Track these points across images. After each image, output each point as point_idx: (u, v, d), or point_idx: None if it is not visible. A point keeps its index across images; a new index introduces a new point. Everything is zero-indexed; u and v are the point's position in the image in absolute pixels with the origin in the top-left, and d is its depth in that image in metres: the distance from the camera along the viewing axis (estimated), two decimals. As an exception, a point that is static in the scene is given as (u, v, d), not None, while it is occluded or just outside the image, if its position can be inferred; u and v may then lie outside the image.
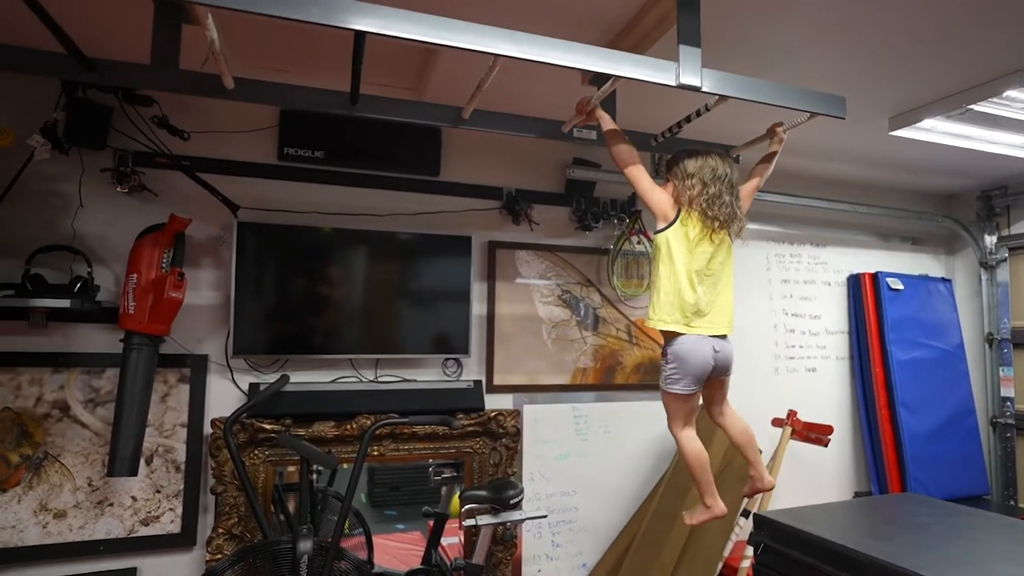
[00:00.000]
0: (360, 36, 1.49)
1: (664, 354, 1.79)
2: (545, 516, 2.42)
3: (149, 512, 2.18)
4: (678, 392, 1.76)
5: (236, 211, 2.26)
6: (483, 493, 2.20)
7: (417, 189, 2.55)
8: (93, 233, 2.16)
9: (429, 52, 2.05)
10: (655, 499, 2.75)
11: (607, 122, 1.78)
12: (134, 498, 2.18)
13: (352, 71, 1.62)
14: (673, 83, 1.56)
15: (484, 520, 2.22)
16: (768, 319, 3.21)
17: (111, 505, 2.15)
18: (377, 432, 2.31)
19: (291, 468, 2.36)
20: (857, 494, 3.27)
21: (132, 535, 2.16)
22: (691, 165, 1.73)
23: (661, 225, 1.75)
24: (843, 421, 3.30)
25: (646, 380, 2.91)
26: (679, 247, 1.71)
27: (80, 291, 2.05)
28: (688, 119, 1.93)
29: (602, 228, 2.81)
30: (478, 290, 2.63)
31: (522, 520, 2.28)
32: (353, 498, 2.06)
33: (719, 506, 1.86)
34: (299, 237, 2.34)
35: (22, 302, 1.97)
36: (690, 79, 1.56)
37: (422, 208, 2.55)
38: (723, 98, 1.67)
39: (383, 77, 2.23)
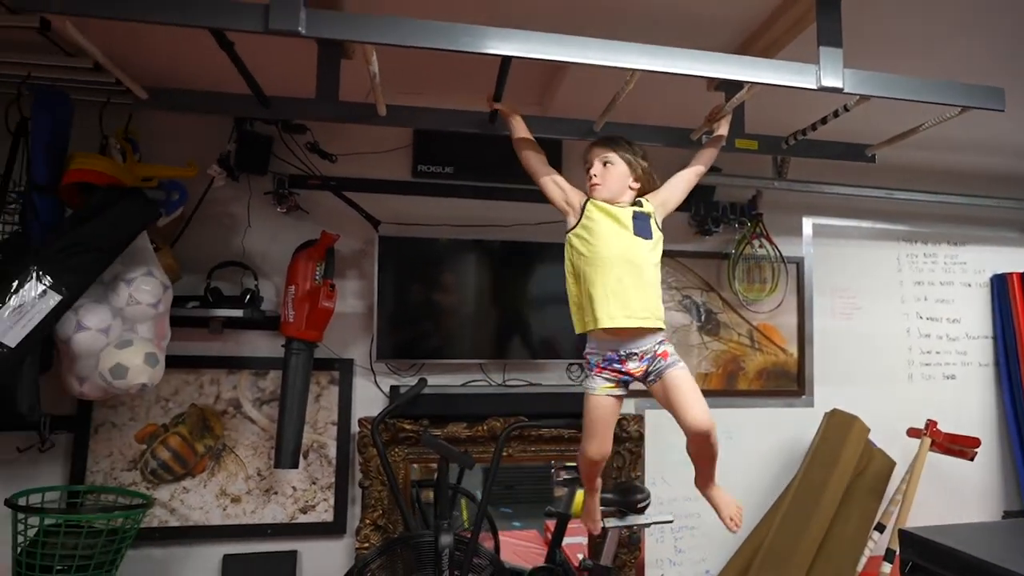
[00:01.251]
0: (506, 61, 1.59)
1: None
2: (671, 521, 2.44)
3: (307, 501, 2.42)
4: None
5: (377, 226, 2.45)
6: (610, 496, 2.26)
7: (541, 199, 2.63)
8: (258, 250, 2.42)
9: (556, 69, 2.13)
10: (782, 508, 2.70)
11: (724, 127, 1.82)
12: (294, 488, 2.42)
13: (495, 92, 1.73)
14: (814, 86, 1.55)
15: (611, 522, 2.28)
16: (900, 323, 3.05)
17: (276, 494, 2.40)
18: (511, 434, 2.42)
19: (424, 466, 2.54)
20: (1007, 513, 3.04)
21: (293, 521, 2.40)
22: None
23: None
24: (988, 432, 3.08)
25: (769, 386, 2.86)
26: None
27: (249, 302, 2.30)
28: (824, 120, 1.90)
29: (722, 232, 2.79)
30: (599, 297, 2.69)
31: (648, 524, 2.32)
32: (489, 496, 2.18)
33: None
34: (432, 248, 2.50)
35: (204, 312, 2.25)
36: (832, 80, 1.55)
37: (545, 217, 2.64)
38: (864, 98, 1.64)
39: (507, 95, 2.35)
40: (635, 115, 2.09)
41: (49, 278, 1.75)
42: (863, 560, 2.58)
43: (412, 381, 2.52)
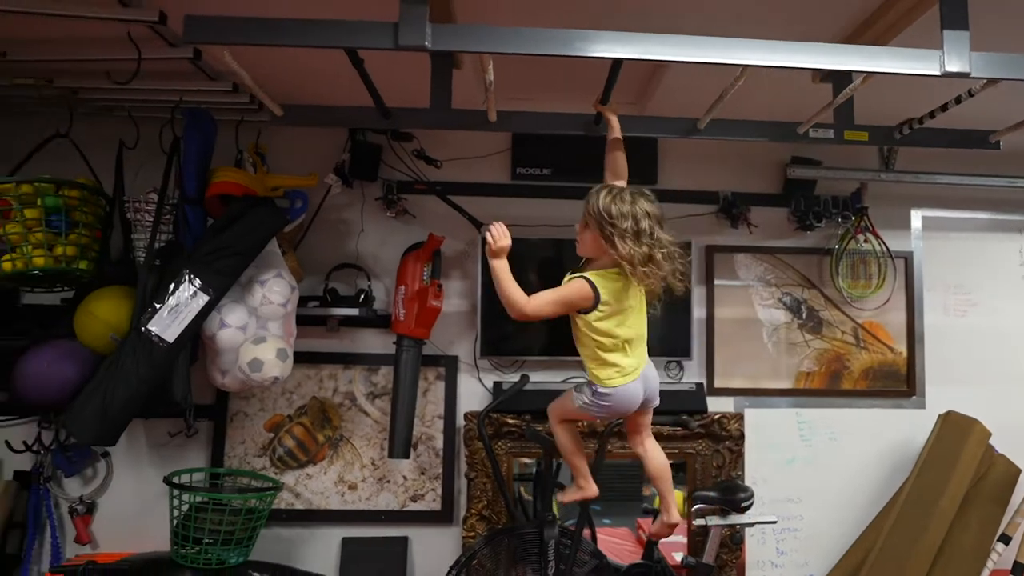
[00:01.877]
0: (616, 63, 1.62)
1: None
2: (775, 521, 2.41)
3: (416, 491, 2.56)
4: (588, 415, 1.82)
5: (480, 227, 2.55)
6: (713, 494, 2.27)
7: (636, 199, 2.68)
8: (370, 252, 2.58)
9: (655, 67, 2.15)
10: (893, 512, 2.60)
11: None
12: (405, 477, 2.56)
13: (603, 95, 1.78)
14: (937, 72, 1.49)
15: (713, 521, 2.29)
16: (1022, 321, 2.87)
17: (388, 482, 2.55)
18: (613, 430, 2.46)
19: (525, 460, 2.63)
20: None
21: (404, 509, 2.54)
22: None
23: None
24: None
25: (876, 386, 2.76)
26: None
27: (364, 302, 2.46)
28: (945, 108, 1.83)
29: (824, 227, 2.72)
30: (697, 294, 2.69)
31: (751, 524, 2.31)
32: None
33: (591, 488, 1.93)
34: (532, 249, 2.59)
35: (324, 311, 2.43)
36: (957, 66, 1.47)
37: (641, 217, 2.67)
38: (992, 81, 1.57)
39: (584, 95, 2.37)
40: (733, 110, 2.06)
41: (199, 280, 1.96)
42: (986, 572, 2.45)
43: (514, 377, 2.61)
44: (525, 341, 2.59)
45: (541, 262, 2.60)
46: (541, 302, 1.65)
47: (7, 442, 2.41)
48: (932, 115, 1.91)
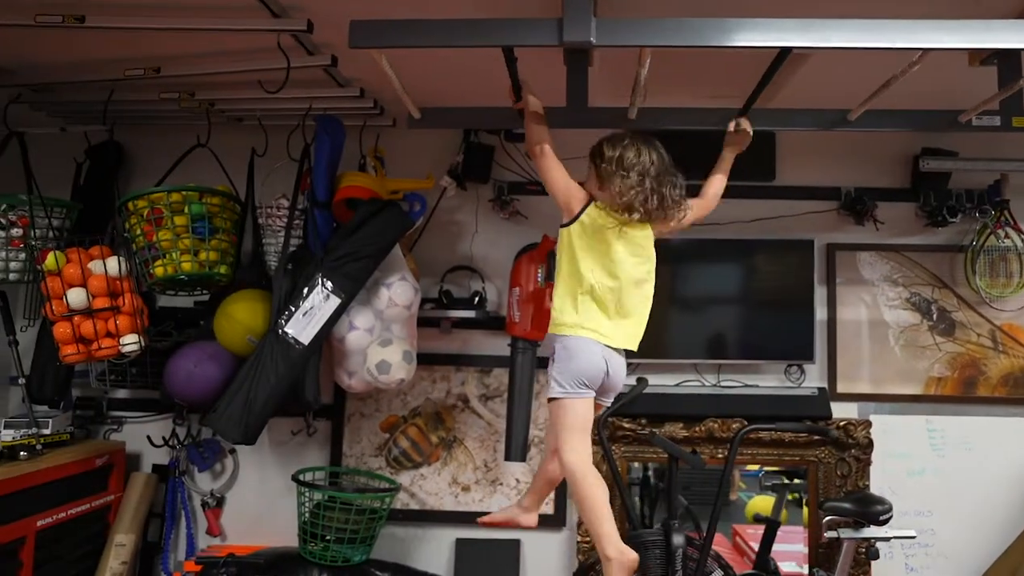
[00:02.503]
0: (784, 53, 1.50)
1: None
2: (914, 537, 2.28)
3: (529, 492, 2.55)
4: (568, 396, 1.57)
5: (593, 229, 2.52)
6: (847, 505, 2.16)
7: (753, 195, 2.58)
8: (483, 254, 2.59)
9: (796, 57, 2.02)
10: (1041, 529, 2.42)
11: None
12: (517, 480, 2.56)
13: (755, 90, 1.70)
14: None
15: (847, 534, 2.18)
16: None
17: (501, 484, 2.56)
18: (747, 436, 2.34)
19: (642, 463, 2.58)
20: None
21: (517, 510, 2.53)
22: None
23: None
24: None
25: (1017, 393, 2.57)
26: None
27: (478, 304, 2.47)
28: None
29: (959, 223, 2.55)
30: (819, 294, 2.56)
31: (888, 538, 2.19)
32: (720, 499, 2.17)
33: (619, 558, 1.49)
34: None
35: (440, 313, 2.45)
36: None
37: (758, 214, 2.58)
38: None
39: (708, 88, 2.28)
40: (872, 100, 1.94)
41: (330, 283, 2.01)
42: None
43: (627, 381, 2.56)
44: (643, 344, 2.53)
45: (662, 261, 2.53)
46: (543, 154, 1.66)
47: (148, 437, 2.55)
48: None
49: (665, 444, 2.17)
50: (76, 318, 1.93)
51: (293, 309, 1.98)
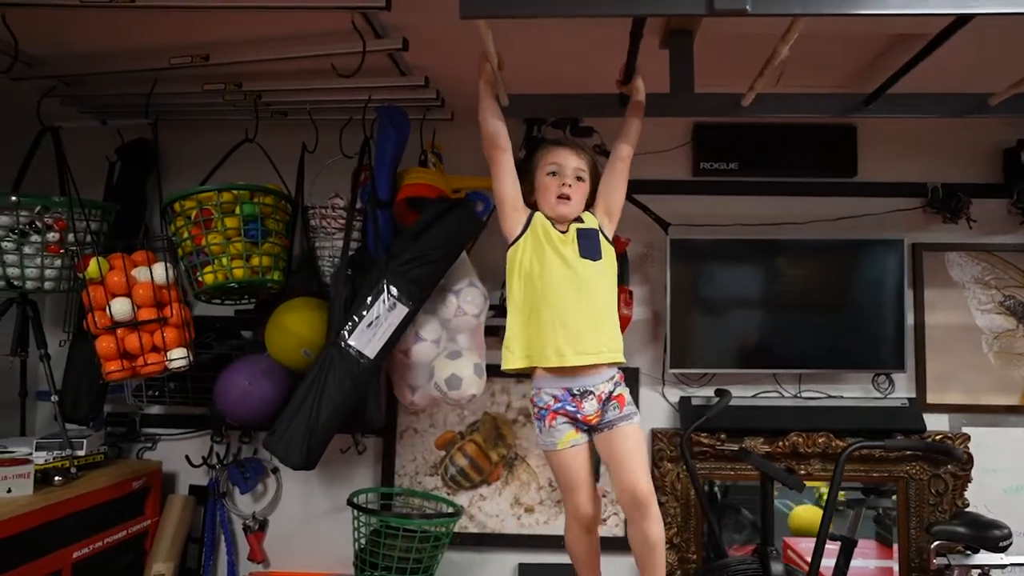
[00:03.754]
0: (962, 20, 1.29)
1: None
2: (1028, 561, 2.11)
3: (597, 513, 2.36)
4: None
5: (667, 228, 2.35)
6: (961, 530, 1.98)
7: (833, 192, 2.41)
8: (545, 258, 2.41)
9: (895, 39, 1.84)
10: None
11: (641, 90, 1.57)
12: (579, 502, 2.37)
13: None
14: None
15: (958, 560, 2.00)
16: None
17: (566, 504, 2.37)
18: (853, 453, 2.13)
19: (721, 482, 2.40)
20: None
21: (585, 533, 2.35)
22: None
23: None
24: None
25: (1120, 402, 2.39)
26: None
27: (542, 310, 2.29)
28: None
29: (1057, 219, 2.38)
30: (906, 298, 2.39)
31: (1004, 566, 2.00)
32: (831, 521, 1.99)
33: None
34: (720, 250, 2.36)
35: (500, 321, 2.26)
36: None
37: (839, 212, 2.40)
38: None
39: (808, 79, 2.11)
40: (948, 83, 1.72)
41: (395, 290, 1.83)
42: None
43: (701, 392, 2.39)
44: (713, 352, 2.36)
45: (731, 265, 2.36)
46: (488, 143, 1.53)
47: (187, 457, 2.37)
48: None
49: (760, 463, 1.98)
50: (120, 331, 1.74)
51: (356, 319, 1.80)
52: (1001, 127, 2.38)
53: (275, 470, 2.46)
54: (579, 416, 1.46)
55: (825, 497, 2.61)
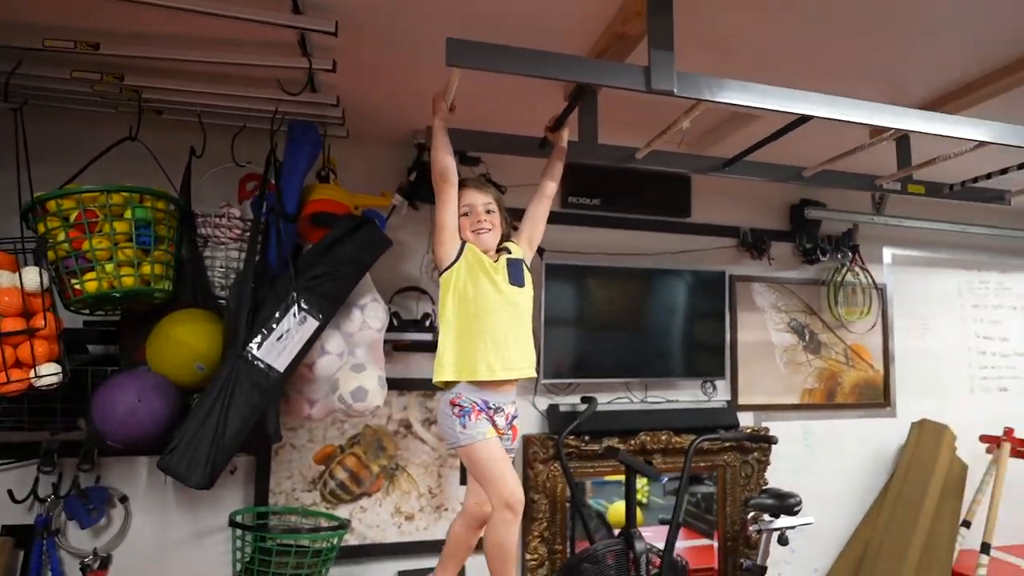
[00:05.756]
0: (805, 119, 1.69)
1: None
2: (812, 523, 2.67)
3: (475, 516, 2.51)
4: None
5: (542, 253, 2.60)
6: (768, 501, 2.48)
7: (674, 230, 2.88)
8: (431, 275, 2.53)
9: (750, 118, 2.27)
10: (884, 508, 2.99)
11: (565, 137, 1.83)
12: (462, 504, 2.50)
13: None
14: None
15: (766, 525, 2.49)
16: (962, 343, 3.43)
17: (446, 510, 2.49)
18: (702, 447, 2.54)
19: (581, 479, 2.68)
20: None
21: (463, 536, 2.48)
22: None
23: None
24: (1033, 438, 3.48)
25: (861, 400, 3.16)
26: None
27: (430, 326, 2.40)
28: (1005, 171, 2.16)
29: (826, 261, 3.08)
30: (726, 319, 2.92)
31: (794, 526, 2.54)
32: (679, 514, 2.36)
33: None
34: (585, 275, 2.68)
35: (396, 336, 2.34)
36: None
37: (675, 247, 2.87)
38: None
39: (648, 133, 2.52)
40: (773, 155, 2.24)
41: (306, 304, 1.83)
42: (955, 552, 2.89)
43: (565, 400, 2.67)
44: (578, 364, 2.66)
45: (594, 288, 2.69)
46: (439, 177, 1.66)
47: (9, 491, 2.07)
48: (989, 176, 2.23)
49: (626, 458, 2.30)
50: (-23, 344, 1.52)
51: (266, 332, 1.77)
52: (791, 188, 3.04)
53: (123, 499, 2.24)
54: (494, 423, 1.63)
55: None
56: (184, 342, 1.79)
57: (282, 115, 1.96)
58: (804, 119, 1.59)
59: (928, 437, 3.05)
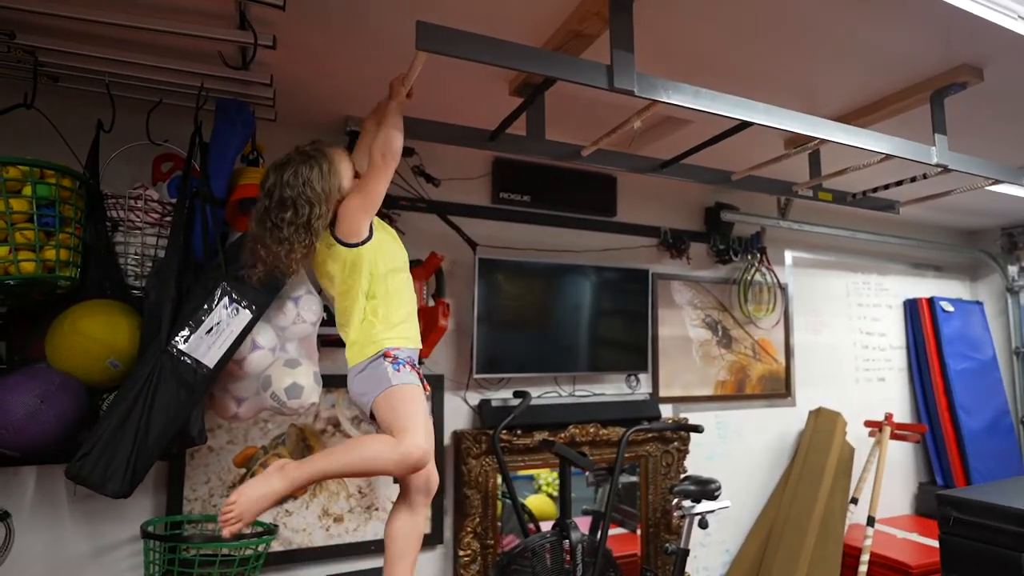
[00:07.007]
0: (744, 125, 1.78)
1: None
2: (728, 506, 2.82)
3: (406, 515, 2.45)
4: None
5: (475, 248, 2.58)
6: (691, 487, 2.59)
7: (600, 228, 2.95)
8: (364, 268, 2.43)
9: (683, 122, 2.35)
10: (787, 489, 3.23)
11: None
12: (392, 502, 2.43)
13: (698, 146, 1.99)
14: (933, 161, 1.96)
15: (688, 510, 2.61)
16: (848, 338, 3.77)
17: (376, 510, 2.41)
18: (631, 438, 2.58)
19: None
20: (922, 484, 3.85)
21: (394, 536, 2.41)
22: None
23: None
24: (905, 421, 3.89)
25: (766, 391, 3.39)
26: None
27: (362, 320, 2.31)
28: (900, 183, 2.36)
29: (738, 261, 3.28)
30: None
31: (714, 511, 2.68)
32: (612, 502, 2.41)
33: None
34: (517, 271, 2.68)
35: (325, 331, 2.22)
36: (944, 160, 2.02)
37: (601, 244, 2.95)
38: (947, 170, 2.15)
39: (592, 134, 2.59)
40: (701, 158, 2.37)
41: (236, 295, 1.71)
42: (846, 526, 3.17)
43: (496, 395, 2.67)
44: (509, 359, 2.66)
45: (524, 284, 2.71)
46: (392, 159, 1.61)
47: None
48: (900, 183, 2.42)
49: (562, 450, 2.33)
50: None
51: (193, 325, 1.63)
52: (708, 191, 3.21)
53: (5, 514, 1.98)
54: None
55: (545, 485, 3.12)
56: (95, 337, 1.61)
57: (206, 92, 1.82)
58: (744, 125, 1.68)
59: (824, 424, 3.33)
